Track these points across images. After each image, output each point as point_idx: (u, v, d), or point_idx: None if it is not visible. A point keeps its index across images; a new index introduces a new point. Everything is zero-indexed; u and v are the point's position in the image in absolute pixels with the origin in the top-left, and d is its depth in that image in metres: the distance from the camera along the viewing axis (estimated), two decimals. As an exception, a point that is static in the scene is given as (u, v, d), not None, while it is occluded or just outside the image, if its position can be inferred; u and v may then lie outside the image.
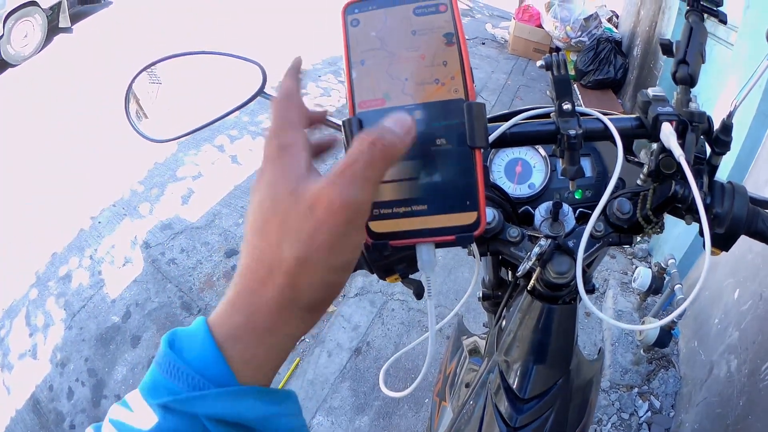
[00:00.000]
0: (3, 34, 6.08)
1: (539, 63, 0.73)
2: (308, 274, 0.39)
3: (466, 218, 0.46)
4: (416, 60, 0.48)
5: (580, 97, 5.86)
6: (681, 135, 0.70)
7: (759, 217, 0.74)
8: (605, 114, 0.82)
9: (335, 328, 2.84)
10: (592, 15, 6.36)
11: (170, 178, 4.06)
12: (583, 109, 0.75)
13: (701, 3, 0.81)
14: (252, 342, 0.39)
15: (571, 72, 6.34)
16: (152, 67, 0.70)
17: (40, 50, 6.67)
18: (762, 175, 2.21)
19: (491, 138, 0.74)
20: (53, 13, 6.86)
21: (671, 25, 4.34)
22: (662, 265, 2.57)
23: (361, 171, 0.39)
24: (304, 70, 0.49)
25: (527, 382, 0.89)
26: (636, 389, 2.43)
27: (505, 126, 0.74)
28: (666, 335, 2.27)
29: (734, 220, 0.72)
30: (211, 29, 7.13)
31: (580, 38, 6.32)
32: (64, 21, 7.03)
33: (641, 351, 2.47)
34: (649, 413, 2.34)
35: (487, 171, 0.45)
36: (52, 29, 6.93)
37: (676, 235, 2.81)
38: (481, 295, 1.19)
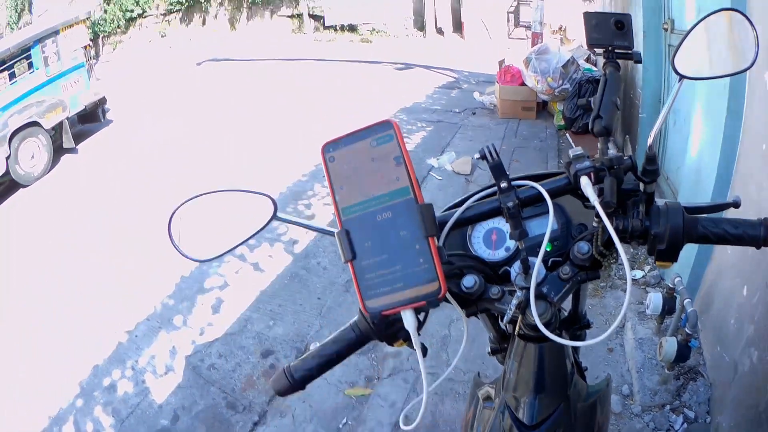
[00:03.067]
0: (10, 154, 6.36)
1: (476, 156, 0.87)
2: None
3: (431, 287, 0.66)
4: (378, 180, 0.69)
5: (573, 145, 5.94)
6: (601, 181, 0.83)
7: (698, 223, 0.85)
8: (546, 175, 0.96)
9: (374, 407, 2.96)
10: (569, 60, 6.51)
11: (198, 290, 4.21)
12: (519, 182, 0.88)
13: (615, 52, 0.95)
14: None
15: (561, 122, 6.45)
16: (184, 204, 0.90)
17: (49, 170, 6.96)
18: (748, 168, 2.35)
19: (448, 226, 0.91)
20: (56, 133, 7.17)
21: (640, 49, 4.44)
22: (670, 285, 2.68)
23: None
24: None
25: (532, 411, 1.00)
26: (668, 406, 2.51)
27: (456, 214, 0.91)
28: (684, 348, 2.36)
29: (672, 235, 0.83)
30: (208, 139, 7.50)
31: (563, 86, 6.47)
32: (68, 141, 7.31)
33: (665, 370, 2.55)
34: (685, 425, 2.41)
35: (441, 251, 0.65)
36: (57, 149, 7.21)
37: (681, 256, 2.91)
38: (490, 350, 1.31)
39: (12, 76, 6.77)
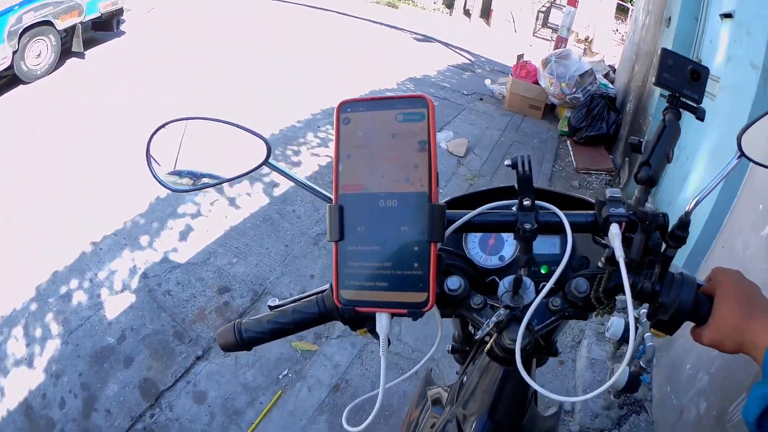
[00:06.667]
0: (18, 50, 6.19)
1: (507, 162, 0.79)
2: None
3: (418, 297, 0.59)
4: (393, 160, 0.60)
5: (572, 153, 5.95)
6: (632, 231, 0.76)
7: (706, 307, 0.78)
8: (570, 198, 0.91)
9: (317, 365, 2.95)
10: (587, 71, 6.51)
11: (171, 214, 4.17)
12: (542, 203, 0.81)
13: (681, 100, 0.86)
14: None
15: (565, 128, 6.42)
16: (170, 125, 0.82)
17: (53, 71, 6.82)
18: (739, 223, 2.34)
19: (455, 226, 0.80)
20: (67, 35, 7.02)
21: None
22: (635, 315, 2.67)
23: None
24: None
25: None
26: (605, 433, 2.52)
27: (465, 218, 0.81)
28: (635, 380, 2.34)
29: (678, 309, 0.77)
30: (217, 70, 7.35)
31: (575, 95, 6.46)
32: (77, 45, 7.17)
33: (611, 396, 2.54)
34: (619, 456, 2.41)
35: (441, 260, 0.56)
36: (65, 52, 7.07)
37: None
38: (450, 348, 1.26)
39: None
